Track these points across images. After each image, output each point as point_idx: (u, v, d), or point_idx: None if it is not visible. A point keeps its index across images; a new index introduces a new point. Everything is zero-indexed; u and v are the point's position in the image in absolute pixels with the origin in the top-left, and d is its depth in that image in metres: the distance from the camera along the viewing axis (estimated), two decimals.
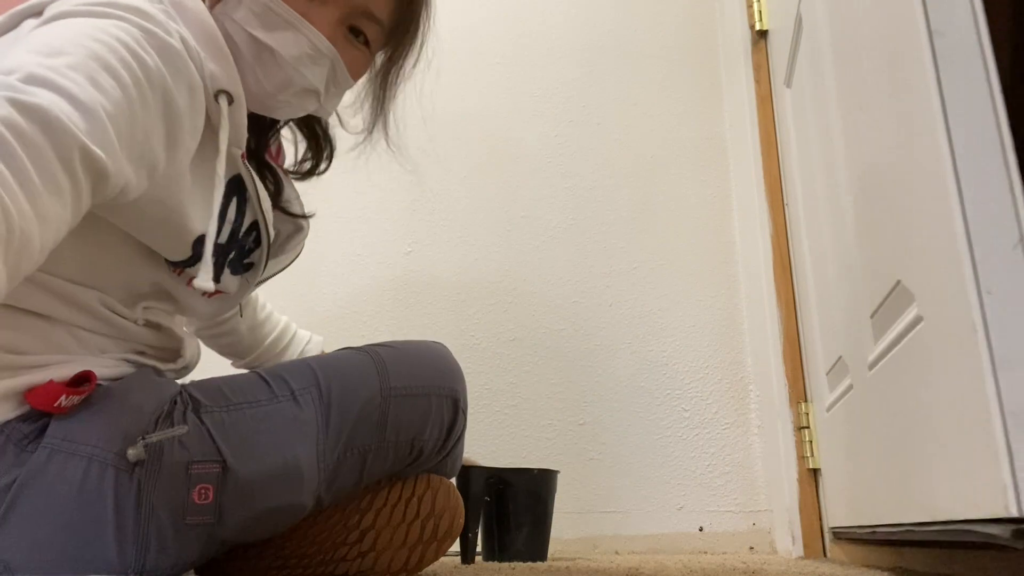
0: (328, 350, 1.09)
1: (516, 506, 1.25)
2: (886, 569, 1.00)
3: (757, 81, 1.60)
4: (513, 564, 1.16)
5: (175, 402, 0.73)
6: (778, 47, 1.50)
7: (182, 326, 0.86)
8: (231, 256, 0.77)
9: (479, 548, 1.27)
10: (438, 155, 1.78)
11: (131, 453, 0.67)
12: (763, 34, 1.62)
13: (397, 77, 0.86)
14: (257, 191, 0.75)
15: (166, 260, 0.72)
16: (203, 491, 0.69)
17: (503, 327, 1.67)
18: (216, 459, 0.70)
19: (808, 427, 1.38)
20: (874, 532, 0.93)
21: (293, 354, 1.08)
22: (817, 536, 1.33)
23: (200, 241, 0.70)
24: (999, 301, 0.55)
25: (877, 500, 0.93)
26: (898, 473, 0.80)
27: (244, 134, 0.73)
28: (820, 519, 1.34)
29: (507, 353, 1.66)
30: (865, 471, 0.99)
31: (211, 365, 0.95)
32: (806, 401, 1.40)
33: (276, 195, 0.86)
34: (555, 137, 1.80)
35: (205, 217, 0.69)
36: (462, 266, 1.71)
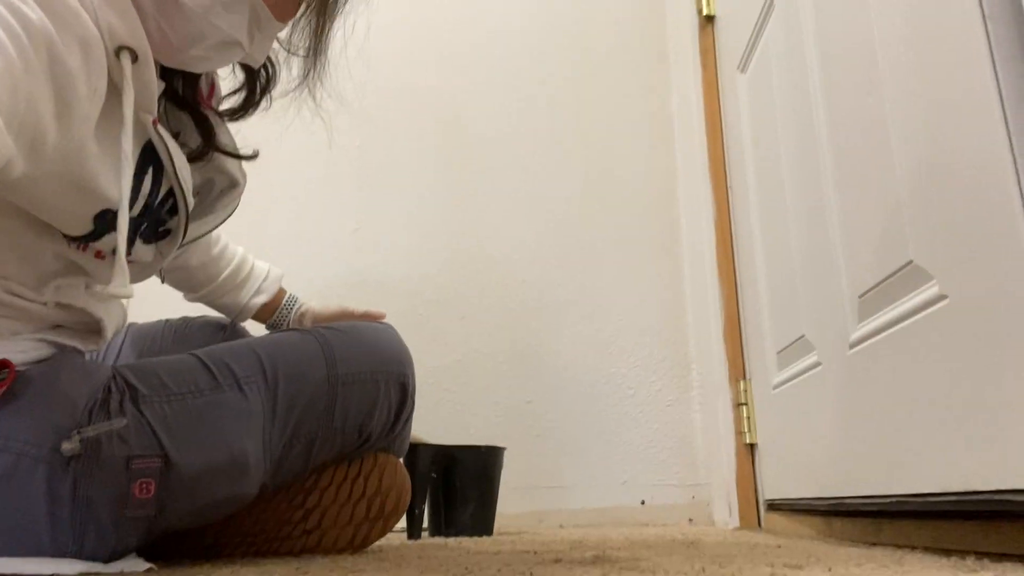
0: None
1: (463, 482, 1.26)
2: (816, 537, 1.05)
3: (704, 66, 1.63)
4: (459, 539, 1.18)
5: (109, 389, 0.69)
6: (730, 32, 1.53)
7: (104, 297, 0.76)
8: (143, 227, 0.70)
9: (425, 524, 1.28)
10: (387, 128, 1.76)
11: (66, 447, 0.64)
12: (710, 19, 1.65)
13: (334, 9, 0.75)
14: (172, 160, 0.67)
15: (64, 235, 0.65)
16: (144, 486, 0.67)
17: (451, 305, 1.68)
18: (158, 453, 0.68)
19: (746, 404, 1.43)
20: (840, 503, 0.97)
21: (250, 290, 1.03)
22: (753, 508, 1.39)
23: (103, 216, 0.63)
24: None
25: (851, 471, 0.97)
26: (895, 445, 0.83)
27: (154, 96, 0.64)
28: (756, 492, 1.40)
29: (455, 331, 1.66)
30: (833, 444, 1.03)
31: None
32: (745, 379, 1.45)
33: (207, 144, 0.78)
34: (506, 114, 1.80)
35: (115, 191, 0.62)
36: (410, 244, 1.71)
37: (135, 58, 0.60)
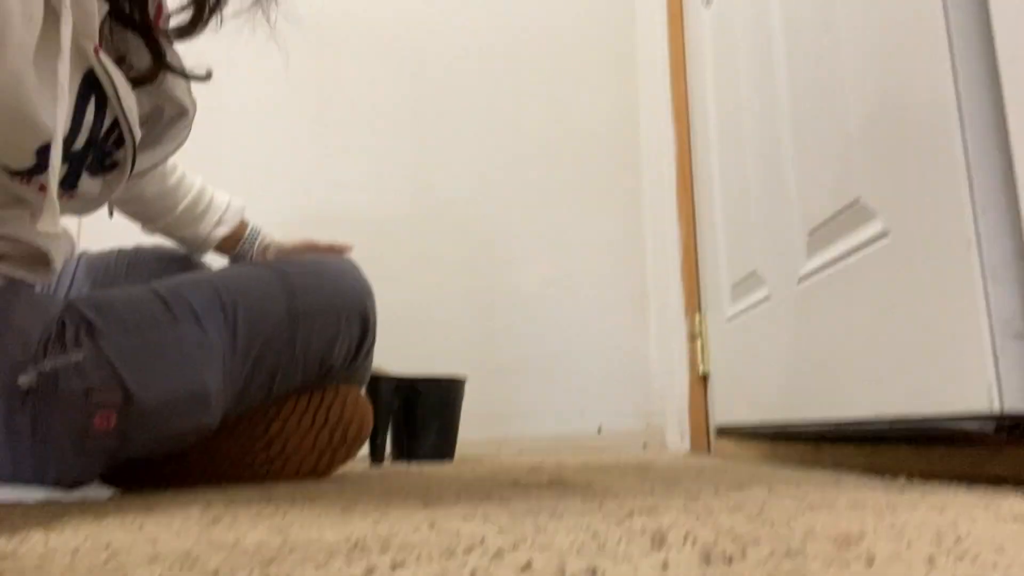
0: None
1: (424, 412, 1.29)
2: (762, 461, 1.11)
3: None
4: (421, 465, 1.21)
5: (63, 322, 0.68)
6: None
7: (50, 226, 0.72)
8: (88, 160, 0.67)
9: (389, 451, 1.31)
10: (349, 63, 1.71)
11: (23, 380, 0.64)
12: None
13: None
14: (116, 89, 0.64)
15: (7, 169, 0.62)
16: (105, 417, 0.67)
17: (414, 240, 1.67)
18: (117, 386, 0.68)
19: (701, 336, 1.47)
20: (784, 428, 1.02)
21: (210, 222, 1.01)
22: (703, 434, 1.45)
23: (46, 149, 0.60)
24: (992, 219, 0.61)
25: (795, 399, 1.01)
26: (836, 375, 0.87)
27: (95, 22, 0.61)
28: (707, 418, 1.45)
29: (418, 266, 1.66)
30: (780, 374, 1.07)
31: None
32: (700, 312, 1.48)
33: (157, 64, 0.74)
34: (466, 49, 1.76)
35: (55, 122, 0.59)
36: (371, 178, 1.68)
37: None
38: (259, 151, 1.67)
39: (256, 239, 1.05)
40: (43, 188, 0.65)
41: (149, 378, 0.69)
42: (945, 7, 0.65)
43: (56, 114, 0.58)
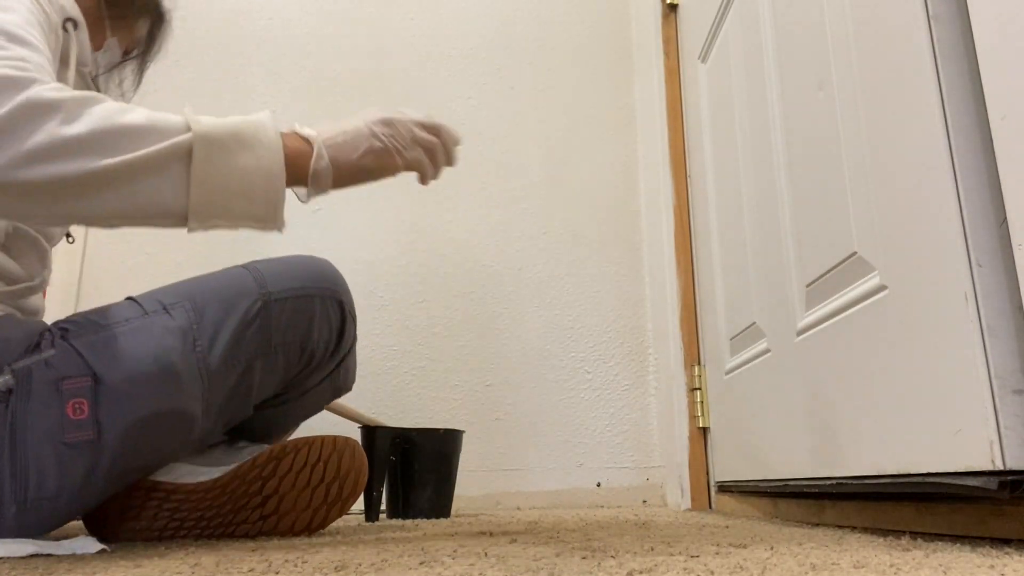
0: None
1: (421, 465, 1.27)
2: (763, 518, 1.09)
3: (666, 54, 1.65)
4: (416, 521, 1.19)
5: (43, 334, 0.73)
6: (692, 21, 1.54)
7: (42, 263, 0.84)
8: None
9: (383, 506, 1.29)
10: (350, 113, 1.74)
11: (0, 382, 0.67)
12: (673, 8, 1.66)
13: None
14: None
15: None
16: (77, 405, 0.69)
17: (412, 289, 1.68)
18: (86, 373, 0.70)
19: (700, 389, 1.46)
20: (786, 485, 1.01)
21: None
22: (704, 490, 1.43)
23: None
24: (988, 273, 0.61)
25: (796, 455, 1.00)
26: (837, 430, 0.86)
27: (88, 52, 0.79)
28: (707, 474, 1.43)
29: (416, 315, 1.66)
30: (780, 428, 1.06)
31: None
32: (699, 364, 1.48)
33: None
34: (468, 99, 1.80)
35: None
36: (371, 227, 1.70)
37: (75, 26, 0.77)
38: None
39: None
40: None
41: (115, 359, 0.72)
42: (936, 63, 0.66)
43: None
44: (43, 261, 0.84)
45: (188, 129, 0.62)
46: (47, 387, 0.69)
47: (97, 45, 0.86)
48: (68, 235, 0.93)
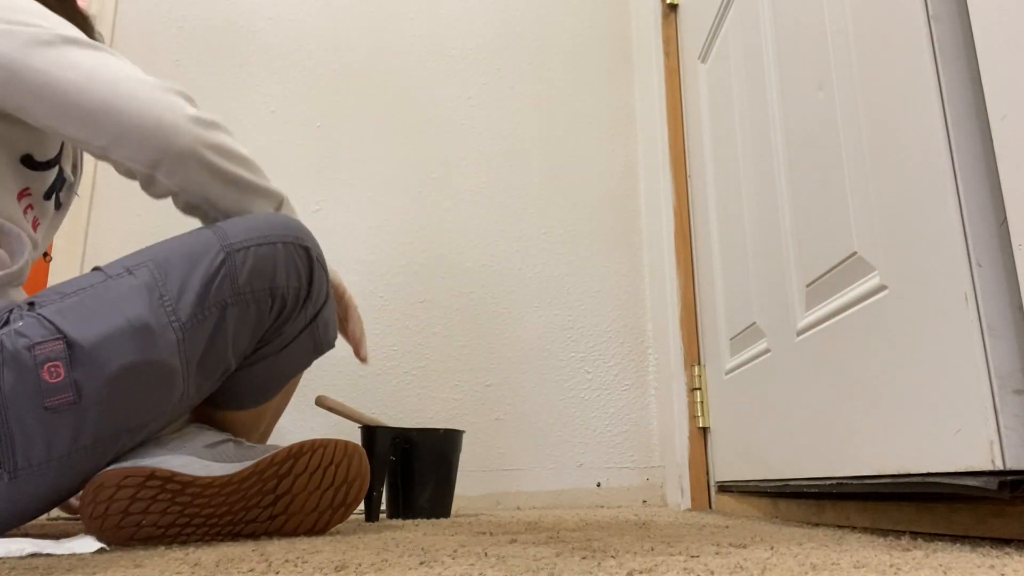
0: None
1: (421, 465, 1.27)
2: (763, 518, 1.09)
3: (666, 54, 1.65)
4: (416, 521, 1.19)
5: (11, 311, 0.75)
6: (692, 21, 1.54)
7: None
8: (60, 188, 0.91)
9: (383, 507, 1.29)
10: (349, 112, 1.74)
11: None
12: (673, 8, 1.66)
13: None
14: None
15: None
16: (53, 369, 0.70)
17: (412, 289, 1.68)
18: (57, 336, 0.71)
19: (700, 389, 1.46)
20: (786, 485, 1.01)
21: None
22: (704, 490, 1.43)
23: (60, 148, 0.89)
24: (988, 273, 0.61)
25: (796, 454, 1.00)
26: (837, 429, 0.86)
27: None
28: (707, 474, 1.43)
29: (416, 315, 1.66)
30: (780, 428, 1.06)
31: None
32: (699, 364, 1.48)
33: None
34: (468, 100, 1.79)
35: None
36: (372, 227, 1.70)
37: None
38: None
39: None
40: (31, 208, 0.86)
41: (86, 322, 0.74)
42: (936, 63, 0.66)
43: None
44: (22, 257, 0.86)
45: (282, 199, 0.93)
46: (20, 354, 0.70)
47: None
48: (46, 254, 1.01)
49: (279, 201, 0.91)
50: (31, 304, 0.75)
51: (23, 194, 0.87)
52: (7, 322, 0.73)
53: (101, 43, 0.82)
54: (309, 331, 0.92)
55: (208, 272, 0.80)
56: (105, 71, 0.78)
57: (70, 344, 0.72)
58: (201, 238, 0.83)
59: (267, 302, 0.85)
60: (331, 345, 0.97)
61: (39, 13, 0.79)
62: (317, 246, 0.91)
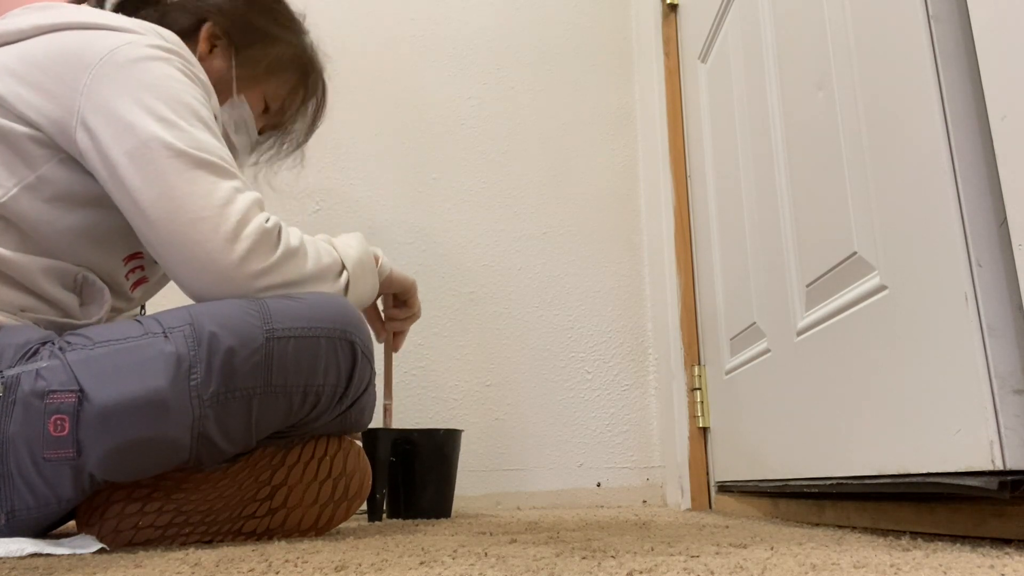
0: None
1: (421, 466, 1.27)
2: (763, 518, 1.09)
3: (667, 54, 1.64)
4: (416, 521, 1.19)
5: (44, 344, 0.73)
6: (692, 21, 1.54)
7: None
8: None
9: (385, 507, 1.29)
10: (349, 111, 1.74)
11: None
12: (673, 8, 1.66)
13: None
14: None
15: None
16: (58, 422, 0.69)
17: None
18: (73, 389, 0.69)
19: (700, 388, 1.46)
20: (786, 485, 1.01)
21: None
22: (704, 490, 1.43)
23: None
24: (988, 273, 0.61)
25: (796, 454, 1.00)
26: (837, 429, 0.86)
27: None
28: (707, 474, 1.43)
29: None
30: (780, 428, 1.06)
31: None
32: (700, 364, 1.48)
33: None
34: (468, 100, 1.79)
35: None
36: (371, 227, 1.70)
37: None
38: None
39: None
40: (138, 269, 0.91)
41: (104, 378, 0.71)
42: (936, 63, 0.66)
43: None
44: (101, 309, 0.85)
45: (343, 268, 0.90)
46: (33, 398, 0.69)
47: (220, 101, 0.96)
48: (142, 307, 1.00)
49: (338, 271, 0.89)
50: (65, 343, 0.74)
51: (132, 257, 0.89)
52: (35, 354, 0.71)
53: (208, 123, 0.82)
54: (340, 419, 0.87)
55: (242, 355, 0.76)
56: (179, 196, 0.77)
57: (83, 399, 0.69)
58: (245, 313, 0.78)
59: (300, 398, 0.81)
60: (360, 429, 0.92)
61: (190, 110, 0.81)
62: (365, 335, 0.86)
